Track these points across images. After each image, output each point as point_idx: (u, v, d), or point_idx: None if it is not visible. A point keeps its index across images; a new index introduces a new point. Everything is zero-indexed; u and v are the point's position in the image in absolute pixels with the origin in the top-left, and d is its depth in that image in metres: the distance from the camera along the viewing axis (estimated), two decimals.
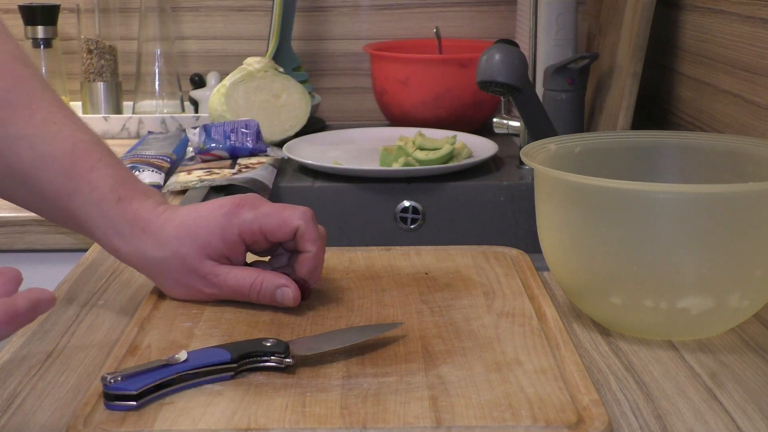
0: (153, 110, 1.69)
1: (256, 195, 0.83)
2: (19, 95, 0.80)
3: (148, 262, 0.81)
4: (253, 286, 0.80)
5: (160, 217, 0.80)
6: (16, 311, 0.59)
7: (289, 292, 0.80)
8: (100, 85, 1.70)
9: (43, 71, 1.67)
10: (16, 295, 0.60)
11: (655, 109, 1.45)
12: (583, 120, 1.42)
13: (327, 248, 0.98)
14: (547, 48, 1.49)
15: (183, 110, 1.72)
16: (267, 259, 0.86)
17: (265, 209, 0.80)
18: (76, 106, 1.72)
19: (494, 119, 1.45)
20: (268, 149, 1.45)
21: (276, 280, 0.80)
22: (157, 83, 1.70)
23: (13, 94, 0.79)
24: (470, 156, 1.41)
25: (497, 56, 1.22)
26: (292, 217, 0.80)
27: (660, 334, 0.77)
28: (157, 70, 1.70)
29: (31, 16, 1.66)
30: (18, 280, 0.62)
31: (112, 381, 0.64)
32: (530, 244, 0.94)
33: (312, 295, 0.83)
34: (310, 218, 0.82)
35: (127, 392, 0.64)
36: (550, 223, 0.80)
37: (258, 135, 1.42)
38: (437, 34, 1.70)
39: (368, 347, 0.73)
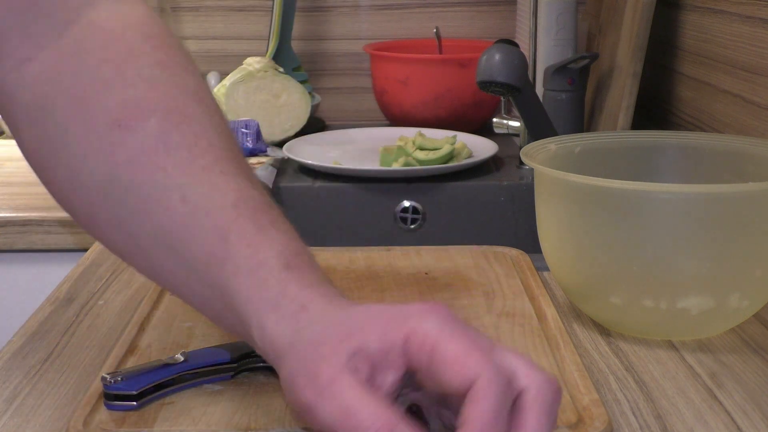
0: None
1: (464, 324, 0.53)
2: (182, 137, 0.61)
3: (298, 345, 0.54)
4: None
5: (332, 302, 0.56)
6: None
7: None
8: None
9: None
10: None
11: (655, 109, 1.45)
12: (583, 120, 1.42)
13: (327, 248, 0.98)
14: (547, 48, 1.49)
15: None
16: None
17: (462, 334, 0.52)
18: None
19: (494, 119, 1.45)
20: (268, 149, 1.45)
21: None
22: None
23: (174, 135, 0.61)
24: (470, 156, 1.41)
25: (497, 56, 1.22)
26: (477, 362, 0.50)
27: (660, 334, 0.77)
28: None
29: None
30: None
31: (112, 381, 0.64)
32: (530, 244, 0.94)
33: None
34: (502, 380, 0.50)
35: (127, 392, 0.64)
36: (550, 223, 0.80)
37: (258, 135, 1.42)
38: (437, 34, 1.70)
39: None
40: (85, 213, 0.65)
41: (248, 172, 0.63)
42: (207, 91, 0.65)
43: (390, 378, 0.52)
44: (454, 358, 0.50)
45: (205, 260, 0.59)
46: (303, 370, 0.52)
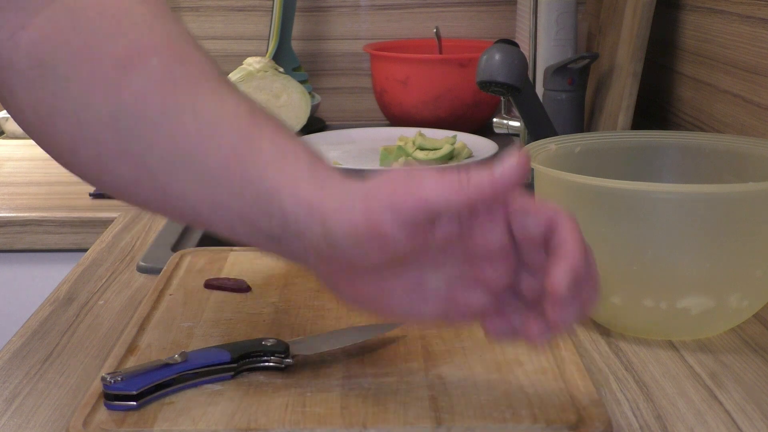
0: None
1: None
2: (185, 70, 0.65)
3: (349, 202, 0.57)
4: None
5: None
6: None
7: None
8: None
9: None
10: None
11: (655, 109, 1.45)
12: (583, 120, 1.42)
13: None
14: (547, 48, 1.49)
15: None
16: None
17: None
18: None
19: (494, 119, 1.45)
20: None
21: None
22: None
23: (178, 69, 0.65)
24: (470, 156, 1.41)
25: (497, 56, 1.22)
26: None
27: (660, 334, 0.77)
28: None
29: None
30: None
31: (112, 381, 0.64)
32: None
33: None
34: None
35: (127, 392, 0.64)
36: None
37: None
38: (437, 34, 1.70)
39: (368, 347, 0.73)
40: (89, 156, 0.66)
41: (244, 93, 0.65)
42: (195, 37, 0.69)
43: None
44: (531, 204, 0.57)
45: (224, 163, 0.61)
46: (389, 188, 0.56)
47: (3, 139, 1.64)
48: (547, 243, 0.57)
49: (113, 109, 0.63)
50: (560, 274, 0.55)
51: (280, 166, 0.60)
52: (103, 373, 0.66)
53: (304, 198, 0.58)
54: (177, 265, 0.92)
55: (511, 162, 0.56)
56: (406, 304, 0.60)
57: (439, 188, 0.55)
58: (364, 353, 0.72)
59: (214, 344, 0.72)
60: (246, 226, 0.61)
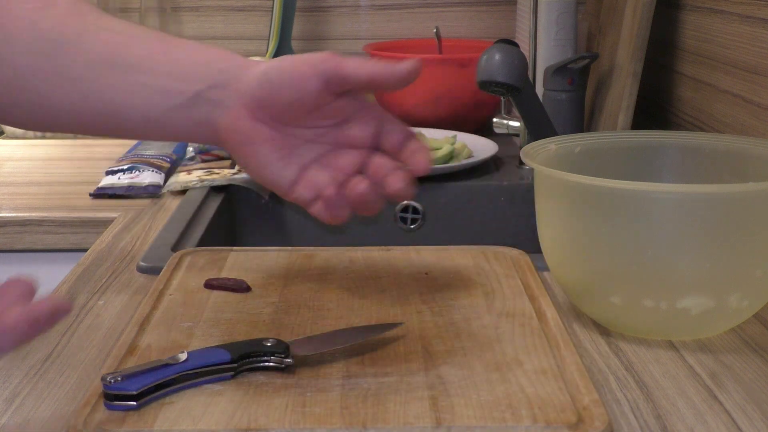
0: None
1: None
2: (91, 7, 0.80)
3: (281, 60, 0.77)
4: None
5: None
6: (38, 318, 0.58)
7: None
8: None
9: None
10: (35, 303, 0.60)
11: (655, 109, 1.45)
12: (583, 120, 1.42)
13: (327, 248, 0.98)
14: (547, 48, 1.49)
15: None
16: None
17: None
18: None
19: (494, 119, 1.45)
20: None
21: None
22: None
23: (84, 5, 0.79)
24: (470, 156, 1.41)
25: (497, 56, 1.22)
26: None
27: (660, 334, 0.77)
28: None
29: None
30: (33, 292, 0.61)
31: (112, 381, 0.64)
32: (530, 244, 0.94)
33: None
34: None
35: (127, 392, 0.64)
36: (550, 223, 0.80)
37: None
38: (437, 34, 1.70)
39: (368, 347, 0.73)
40: (11, 87, 0.77)
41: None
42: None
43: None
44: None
45: (148, 54, 0.76)
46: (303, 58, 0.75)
47: (3, 139, 1.64)
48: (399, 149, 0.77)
49: (32, 39, 0.76)
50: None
51: (205, 49, 0.77)
52: (103, 373, 0.66)
53: (238, 60, 0.77)
54: (177, 265, 0.92)
55: (407, 64, 0.77)
56: (276, 162, 0.77)
57: (351, 62, 0.74)
58: (364, 353, 0.72)
59: (214, 344, 0.72)
60: (164, 100, 0.76)
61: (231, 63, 0.77)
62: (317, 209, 0.77)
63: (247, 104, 0.75)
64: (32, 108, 0.78)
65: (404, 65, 0.75)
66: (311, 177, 0.77)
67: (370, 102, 0.78)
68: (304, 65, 0.74)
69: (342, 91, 0.75)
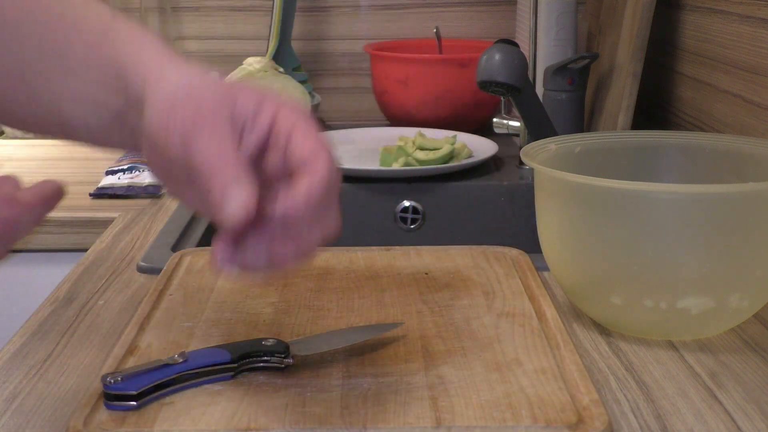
0: None
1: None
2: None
3: (194, 82, 0.63)
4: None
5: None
6: (46, 196, 0.59)
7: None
8: None
9: None
10: (36, 185, 0.61)
11: (655, 109, 1.45)
12: (583, 120, 1.42)
13: (327, 248, 0.98)
14: (547, 48, 1.49)
15: None
16: None
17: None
18: None
19: (494, 119, 1.45)
20: None
21: None
22: None
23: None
24: (470, 156, 1.41)
25: (497, 56, 1.22)
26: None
27: (660, 334, 0.77)
28: None
29: None
30: (20, 187, 0.62)
31: (112, 381, 0.64)
32: (530, 244, 0.94)
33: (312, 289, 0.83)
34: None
35: (127, 392, 0.64)
36: (550, 223, 0.80)
37: None
38: (437, 34, 1.70)
39: (368, 347, 0.73)
40: None
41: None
42: None
43: (253, 138, 0.61)
44: (307, 136, 0.61)
45: (86, 51, 0.68)
46: (192, 98, 0.61)
47: (3, 139, 1.64)
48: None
49: None
50: (302, 190, 0.59)
51: (135, 48, 0.67)
52: (103, 373, 0.66)
53: (150, 68, 0.64)
54: (177, 265, 0.92)
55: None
56: (195, 199, 0.64)
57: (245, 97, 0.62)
58: (364, 353, 0.72)
59: (214, 344, 0.72)
60: (99, 110, 0.68)
61: (141, 75, 0.65)
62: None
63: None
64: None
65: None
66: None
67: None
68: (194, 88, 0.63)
69: None
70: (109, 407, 0.64)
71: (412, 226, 1.36)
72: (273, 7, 1.65)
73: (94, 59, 0.68)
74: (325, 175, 0.59)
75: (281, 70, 1.57)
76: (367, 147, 1.49)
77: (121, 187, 1.29)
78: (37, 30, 0.70)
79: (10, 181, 0.63)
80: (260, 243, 0.60)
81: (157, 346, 0.74)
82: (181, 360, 0.67)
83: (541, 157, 0.82)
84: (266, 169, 0.62)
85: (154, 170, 0.66)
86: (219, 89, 0.62)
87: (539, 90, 1.41)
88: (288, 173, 0.61)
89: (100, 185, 1.30)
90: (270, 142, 0.62)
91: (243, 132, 0.61)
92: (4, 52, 0.70)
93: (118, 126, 0.68)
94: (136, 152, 0.68)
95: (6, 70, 0.70)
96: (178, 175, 0.62)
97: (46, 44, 0.70)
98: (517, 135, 1.44)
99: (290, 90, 1.54)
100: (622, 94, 1.32)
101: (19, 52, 0.70)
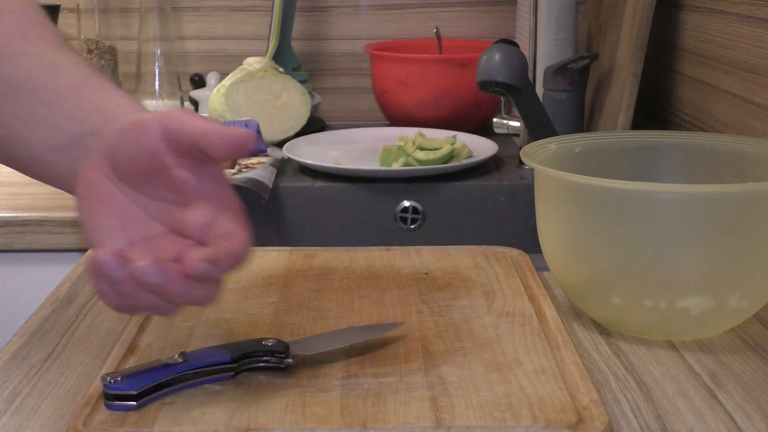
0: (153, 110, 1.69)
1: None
2: (35, 29, 0.75)
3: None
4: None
5: None
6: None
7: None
8: None
9: None
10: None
11: (655, 109, 1.45)
12: (583, 120, 1.42)
13: (327, 248, 0.99)
14: (547, 48, 1.49)
15: None
16: None
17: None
18: None
19: (494, 119, 1.45)
20: (268, 149, 1.45)
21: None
22: (157, 83, 1.70)
23: (29, 27, 0.75)
24: (470, 156, 1.41)
25: (497, 56, 1.22)
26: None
27: (660, 334, 0.77)
28: (157, 70, 1.70)
29: None
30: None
31: (112, 381, 0.64)
32: (530, 244, 0.94)
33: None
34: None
35: (127, 392, 0.64)
36: (550, 223, 0.80)
37: (258, 135, 1.42)
38: (437, 34, 1.70)
39: (368, 347, 0.73)
40: None
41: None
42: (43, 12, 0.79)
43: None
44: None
45: (60, 92, 0.71)
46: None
47: None
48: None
49: None
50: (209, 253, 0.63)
51: (113, 93, 0.72)
52: (103, 373, 0.66)
53: (127, 107, 0.70)
54: None
55: (239, 132, 0.65)
56: (107, 229, 0.67)
57: (191, 117, 0.65)
58: (364, 353, 0.72)
59: (214, 344, 0.72)
60: (48, 136, 0.71)
61: (119, 110, 0.70)
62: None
63: (106, 157, 0.67)
64: None
65: (237, 132, 0.65)
66: (132, 255, 0.65)
67: (221, 185, 0.70)
68: (150, 116, 0.67)
69: (182, 150, 0.65)
70: (109, 407, 0.64)
71: (412, 226, 1.36)
72: (273, 7, 1.65)
73: (66, 99, 0.72)
74: (231, 259, 0.64)
75: (281, 70, 1.57)
76: (367, 147, 1.49)
77: None
78: (16, 67, 0.73)
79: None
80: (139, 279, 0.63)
81: (157, 346, 0.74)
82: (181, 360, 0.67)
83: (541, 157, 0.82)
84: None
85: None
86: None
87: (539, 90, 1.41)
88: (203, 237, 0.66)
89: None
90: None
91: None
92: None
93: (62, 153, 0.71)
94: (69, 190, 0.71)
95: None
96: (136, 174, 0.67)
97: (20, 82, 0.72)
98: (517, 135, 1.44)
99: (290, 90, 1.54)
100: (622, 94, 1.32)
101: None
